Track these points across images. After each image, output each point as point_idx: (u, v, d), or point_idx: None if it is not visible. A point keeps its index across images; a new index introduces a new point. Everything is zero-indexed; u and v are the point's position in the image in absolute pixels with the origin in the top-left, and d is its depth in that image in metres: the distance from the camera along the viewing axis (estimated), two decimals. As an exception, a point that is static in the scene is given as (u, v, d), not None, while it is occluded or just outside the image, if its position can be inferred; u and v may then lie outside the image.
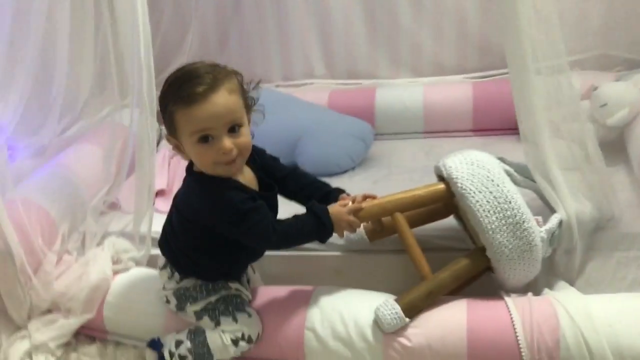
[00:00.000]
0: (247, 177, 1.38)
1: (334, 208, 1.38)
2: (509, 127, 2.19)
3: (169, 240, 1.43)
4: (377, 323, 1.36)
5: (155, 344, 1.47)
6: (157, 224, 1.58)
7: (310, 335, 1.41)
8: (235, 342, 1.38)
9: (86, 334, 1.65)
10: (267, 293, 1.52)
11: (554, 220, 1.42)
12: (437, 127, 2.35)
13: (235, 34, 2.60)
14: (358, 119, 2.22)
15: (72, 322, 1.58)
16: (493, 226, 1.34)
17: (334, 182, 1.97)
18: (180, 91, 1.23)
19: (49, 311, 1.63)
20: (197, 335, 1.42)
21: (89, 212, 1.76)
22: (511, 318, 1.32)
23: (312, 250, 1.68)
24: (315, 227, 1.35)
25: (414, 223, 1.54)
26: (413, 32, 2.47)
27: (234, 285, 1.43)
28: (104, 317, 1.61)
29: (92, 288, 1.58)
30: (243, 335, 1.39)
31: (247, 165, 1.39)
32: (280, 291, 1.52)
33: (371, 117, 2.35)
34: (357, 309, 1.41)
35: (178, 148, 1.32)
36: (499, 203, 1.34)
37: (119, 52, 1.83)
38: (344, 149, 2.11)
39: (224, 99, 1.24)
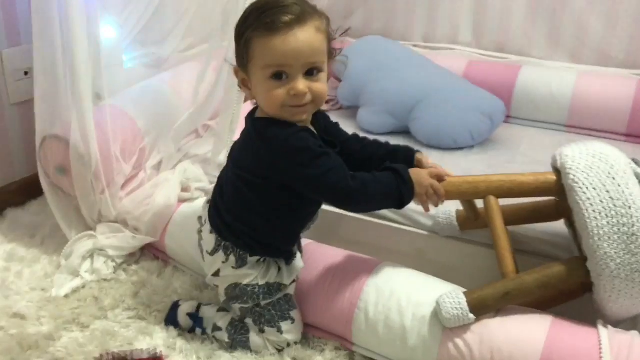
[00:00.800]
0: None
1: (413, 169, 1.20)
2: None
3: (220, 211, 1.26)
4: (436, 313, 1.18)
5: (195, 317, 1.37)
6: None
7: (361, 316, 1.26)
8: (279, 350, 1.30)
9: (153, 253, 1.64)
10: (329, 255, 1.38)
11: None
12: (583, 122, 2.04)
13: (382, -19, 2.44)
14: (490, 94, 1.97)
15: (137, 239, 1.57)
16: (601, 231, 1.09)
17: (445, 158, 1.81)
18: (264, 17, 1.10)
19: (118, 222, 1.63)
20: (238, 332, 1.31)
21: (173, 132, 1.70)
22: (601, 357, 1.07)
23: (397, 222, 1.52)
24: (395, 183, 1.17)
25: (514, 218, 1.32)
26: (581, 12, 2.15)
27: (288, 277, 1.29)
28: (166, 244, 1.57)
29: (155, 214, 1.54)
30: (288, 344, 1.30)
31: (311, 124, 1.25)
32: (342, 256, 1.37)
33: (509, 96, 2.09)
34: (420, 300, 1.23)
35: (245, 84, 1.19)
36: (615, 206, 1.09)
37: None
38: (465, 123, 1.88)
39: (309, 36, 1.10)
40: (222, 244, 1.26)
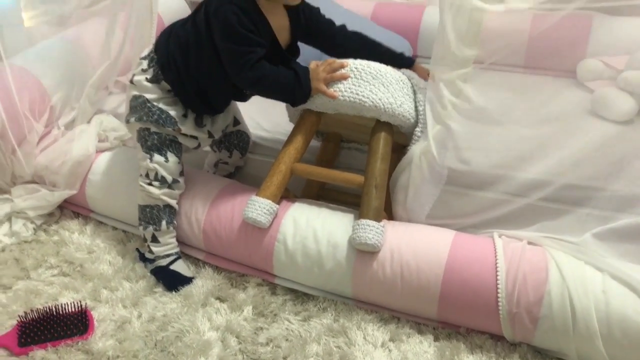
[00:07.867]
0: (279, 22, 1.35)
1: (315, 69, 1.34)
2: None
3: (169, 37, 1.38)
4: (367, 249, 1.26)
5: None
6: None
7: (281, 248, 1.32)
8: (149, 184, 1.39)
9: (72, 209, 1.64)
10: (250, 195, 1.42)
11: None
12: (484, 55, 2.12)
13: None
14: (396, 35, 2.03)
15: (55, 195, 1.56)
16: (363, 92, 1.29)
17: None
18: None
19: (34, 182, 1.61)
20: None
21: (86, 88, 1.68)
22: (496, 263, 1.18)
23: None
24: (292, 85, 1.32)
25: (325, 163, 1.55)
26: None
27: (187, 128, 1.40)
28: (87, 194, 1.57)
29: (74, 163, 1.54)
30: (156, 175, 1.39)
31: (288, 14, 1.37)
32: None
33: (415, 36, 2.15)
34: (332, 227, 1.30)
35: None
36: (359, 76, 1.31)
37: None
38: (372, 63, 1.94)
39: None
40: (154, 57, 1.39)
